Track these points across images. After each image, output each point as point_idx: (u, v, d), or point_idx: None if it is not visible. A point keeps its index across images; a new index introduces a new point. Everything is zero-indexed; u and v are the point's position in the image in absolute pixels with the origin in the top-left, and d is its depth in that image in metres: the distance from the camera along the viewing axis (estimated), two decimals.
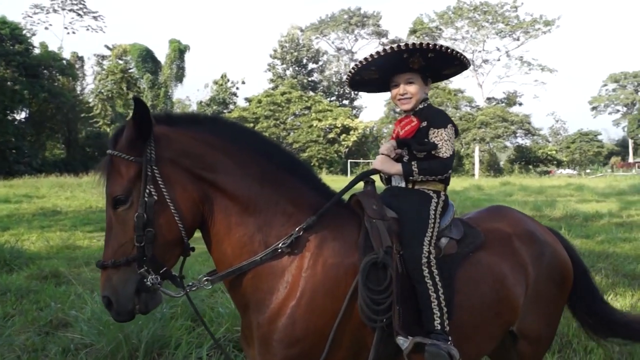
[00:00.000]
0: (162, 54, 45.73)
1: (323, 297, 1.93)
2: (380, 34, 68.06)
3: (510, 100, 61.84)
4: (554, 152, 56.15)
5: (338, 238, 2.03)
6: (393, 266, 2.00)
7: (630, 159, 66.93)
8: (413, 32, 63.86)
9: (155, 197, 1.82)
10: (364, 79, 2.42)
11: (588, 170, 59.22)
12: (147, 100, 41.51)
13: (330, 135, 47.46)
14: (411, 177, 2.20)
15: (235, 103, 53.83)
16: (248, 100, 51.61)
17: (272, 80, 59.57)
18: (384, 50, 2.15)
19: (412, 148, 2.25)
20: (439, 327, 2.01)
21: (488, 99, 61.92)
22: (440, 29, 62.92)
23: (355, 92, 67.02)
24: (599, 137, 69.61)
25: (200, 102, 51.88)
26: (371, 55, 2.21)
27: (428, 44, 2.14)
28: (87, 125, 40.95)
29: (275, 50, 60.10)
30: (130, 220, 1.81)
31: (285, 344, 1.88)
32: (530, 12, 68.72)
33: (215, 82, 51.66)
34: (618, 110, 75.49)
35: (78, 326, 4.06)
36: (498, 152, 56.24)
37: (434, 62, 2.22)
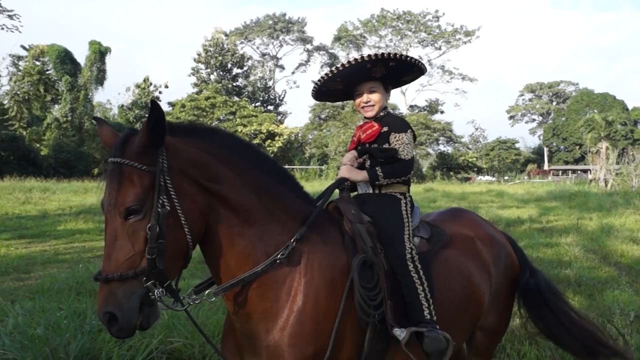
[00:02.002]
0: (81, 55, 45.90)
1: (325, 299, 2.14)
2: (305, 41, 71.97)
3: (432, 108, 66.47)
4: (474, 159, 59.79)
5: (327, 242, 2.27)
6: (379, 264, 2.29)
7: (546, 167, 73.72)
8: (338, 39, 68.02)
9: (168, 208, 1.88)
10: (329, 90, 2.71)
11: (506, 177, 64.02)
12: (65, 103, 42.60)
13: (256, 141, 46.89)
14: (377, 182, 2.49)
15: None
16: (171, 104, 52.71)
17: (196, 85, 61.25)
18: (349, 62, 2.45)
19: (374, 155, 2.54)
20: (428, 317, 2.28)
21: (411, 106, 66.91)
22: (364, 37, 67.43)
23: (281, 99, 70.82)
24: (517, 145, 76.75)
25: (122, 105, 51.96)
26: (337, 68, 2.50)
27: (389, 54, 2.43)
28: (1, 128, 39.54)
29: (199, 55, 61.85)
30: (141, 232, 1.85)
31: (298, 348, 2.06)
32: (451, 23, 75.02)
33: (138, 86, 52.13)
34: (534, 119, 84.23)
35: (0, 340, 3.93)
36: (421, 159, 57.98)
37: (394, 70, 2.54)
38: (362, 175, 2.54)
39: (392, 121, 2.60)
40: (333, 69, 2.56)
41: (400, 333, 2.21)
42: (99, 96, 60.40)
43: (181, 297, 2.07)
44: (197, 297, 2.13)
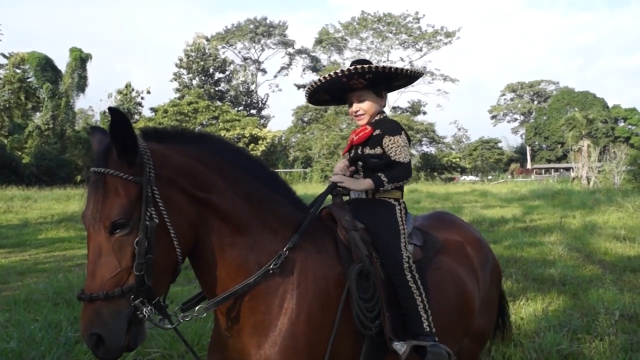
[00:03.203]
0: (62, 62, 45.13)
1: (319, 311, 2.05)
2: (287, 44, 72.07)
3: (415, 109, 66.78)
4: (457, 159, 59.91)
5: (321, 251, 2.19)
6: (375, 274, 2.22)
7: (529, 165, 74.18)
8: (319, 42, 68.40)
9: (157, 221, 1.77)
10: (319, 100, 2.71)
11: (490, 177, 64.88)
12: (47, 110, 42.30)
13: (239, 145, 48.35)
14: (382, 188, 2.39)
15: (140, 113, 54.13)
16: (154, 110, 52.47)
17: (178, 90, 61.06)
18: (324, 77, 2.42)
19: (366, 161, 2.47)
20: (427, 329, 2.21)
21: (394, 108, 67.14)
22: (345, 40, 67.73)
23: (263, 102, 71.04)
24: (499, 145, 77.19)
25: (104, 112, 50.52)
26: (315, 83, 2.49)
27: (363, 67, 2.32)
28: None
29: (180, 60, 61.77)
30: (128, 247, 1.74)
31: None
32: (431, 24, 75.42)
33: (120, 92, 52.03)
34: (516, 119, 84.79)
35: None
36: None
37: (377, 79, 2.42)
38: (367, 183, 2.42)
39: (385, 124, 2.52)
40: (312, 83, 2.54)
41: (401, 347, 2.13)
42: (81, 103, 60.16)
43: (170, 313, 1.97)
44: (187, 314, 2.03)
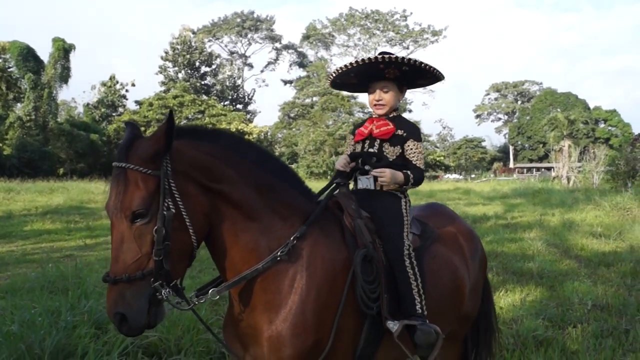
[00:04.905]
0: (45, 52, 44.43)
1: (327, 291, 2.22)
2: (274, 39, 71.91)
3: (401, 107, 65.73)
4: (442, 157, 61.60)
5: (328, 236, 2.35)
6: (378, 258, 2.38)
7: (511, 164, 74.87)
8: (306, 37, 68.49)
9: (173, 211, 1.94)
10: (344, 82, 2.82)
11: (473, 175, 65.90)
12: (29, 101, 41.71)
13: None
14: (406, 185, 2.58)
15: (124, 106, 54.06)
16: (139, 103, 52.21)
17: (163, 83, 60.93)
18: (363, 60, 2.51)
19: (366, 160, 2.60)
20: (420, 311, 2.39)
21: None
22: (333, 36, 68.14)
23: (250, 97, 70.66)
24: (483, 144, 78.43)
25: (88, 104, 51.60)
26: (351, 64, 2.57)
27: (403, 58, 2.46)
28: None
29: (166, 53, 61.57)
30: (148, 234, 1.91)
31: (299, 339, 2.12)
32: (419, 22, 76.40)
33: (104, 84, 51.72)
34: (500, 118, 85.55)
35: None
36: None
37: (409, 73, 2.57)
38: (400, 177, 2.57)
39: (409, 127, 2.65)
40: (348, 64, 2.62)
41: (394, 325, 2.30)
42: (64, 94, 59.37)
43: (187, 296, 2.13)
44: (202, 296, 2.19)
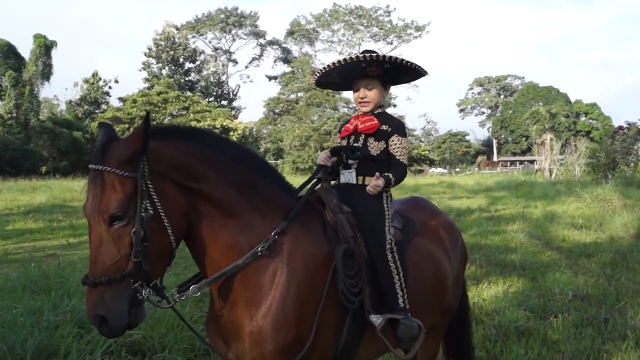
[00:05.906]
0: (26, 49, 43.57)
1: (308, 286, 2.22)
2: (258, 35, 71.35)
3: (385, 102, 66.94)
4: (426, 151, 61.69)
5: (309, 231, 2.36)
6: (359, 253, 2.40)
7: (495, 158, 75.56)
8: (291, 33, 68.00)
9: (151, 212, 1.93)
10: (328, 82, 2.85)
11: (457, 169, 66.13)
12: (10, 99, 41.05)
13: None
14: (389, 187, 2.57)
15: (108, 103, 53.48)
16: (122, 100, 51.66)
17: (147, 80, 60.35)
18: (345, 59, 2.54)
19: (347, 154, 2.60)
20: (402, 305, 2.42)
21: None
22: (317, 31, 67.73)
23: (235, 93, 70.35)
24: (467, 138, 78.30)
25: (70, 101, 51.04)
26: (333, 63, 2.60)
27: (384, 56, 2.49)
28: None
29: (150, 49, 60.92)
30: (126, 236, 1.90)
31: (280, 334, 2.12)
32: (402, 18, 75.23)
33: (86, 81, 51.23)
34: (483, 112, 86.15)
35: None
36: None
37: (391, 70, 2.59)
38: (381, 181, 2.54)
39: (394, 122, 2.66)
40: (330, 64, 2.65)
41: (377, 319, 2.30)
42: (46, 91, 58.28)
43: (166, 294, 2.12)
44: (182, 294, 2.18)
